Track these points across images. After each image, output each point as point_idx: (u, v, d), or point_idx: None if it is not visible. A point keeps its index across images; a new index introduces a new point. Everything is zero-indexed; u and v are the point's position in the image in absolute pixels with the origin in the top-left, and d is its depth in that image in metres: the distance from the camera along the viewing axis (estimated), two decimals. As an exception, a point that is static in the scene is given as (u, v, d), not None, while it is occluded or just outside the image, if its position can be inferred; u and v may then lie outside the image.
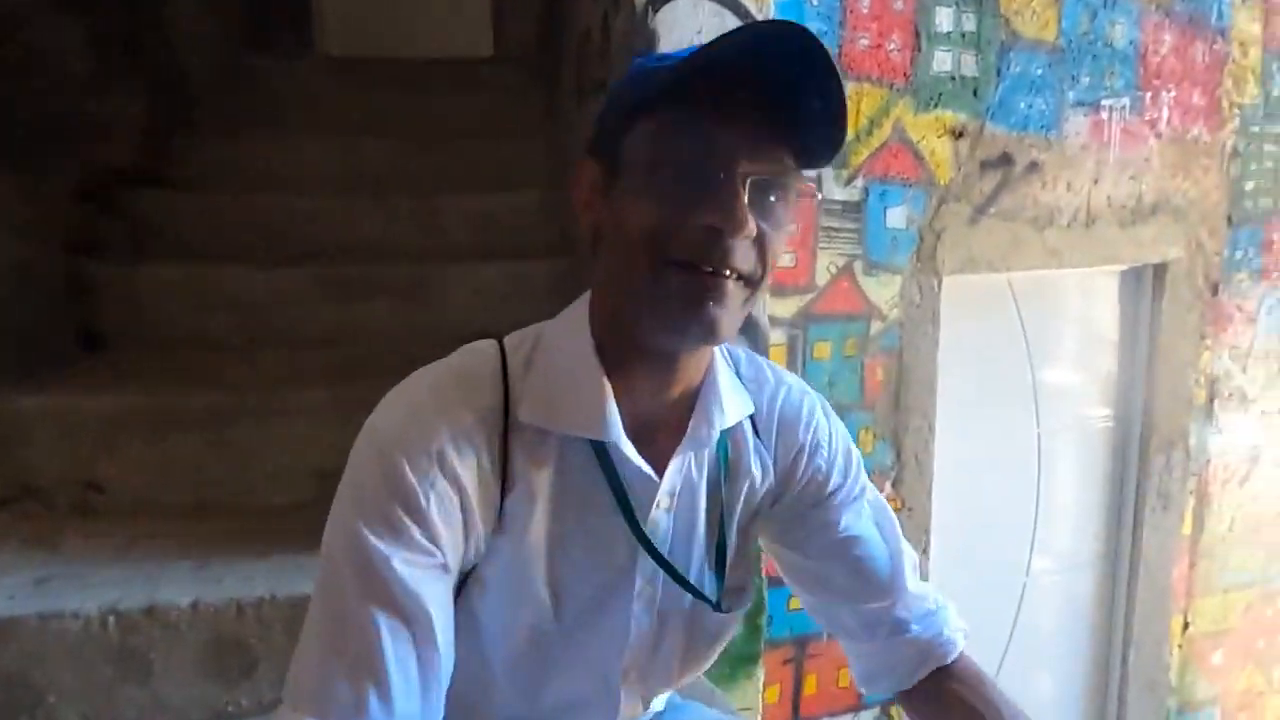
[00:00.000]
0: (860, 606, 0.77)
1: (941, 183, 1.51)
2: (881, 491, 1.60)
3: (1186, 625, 2.15)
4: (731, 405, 0.70)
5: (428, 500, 0.60)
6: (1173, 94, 1.76)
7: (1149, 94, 1.73)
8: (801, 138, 0.60)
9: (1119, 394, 1.99)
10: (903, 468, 1.59)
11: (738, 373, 0.74)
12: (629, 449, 0.65)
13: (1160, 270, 1.89)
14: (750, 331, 1.30)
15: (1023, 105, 1.58)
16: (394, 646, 0.58)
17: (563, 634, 0.69)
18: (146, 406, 1.38)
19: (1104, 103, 1.67)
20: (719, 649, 0.77)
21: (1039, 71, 1.58)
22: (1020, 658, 1.96)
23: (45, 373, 1.44)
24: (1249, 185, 1.96)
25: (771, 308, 1.37)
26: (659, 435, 0.69)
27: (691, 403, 0.69)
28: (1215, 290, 1.97)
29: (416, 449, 0.61)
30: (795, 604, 1.53)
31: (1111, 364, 1.98)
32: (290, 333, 1.67)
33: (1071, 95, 1.63)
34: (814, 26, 1.32)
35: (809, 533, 0.76)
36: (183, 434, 1.35)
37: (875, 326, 1.50)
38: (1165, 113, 1.76)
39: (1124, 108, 1.70)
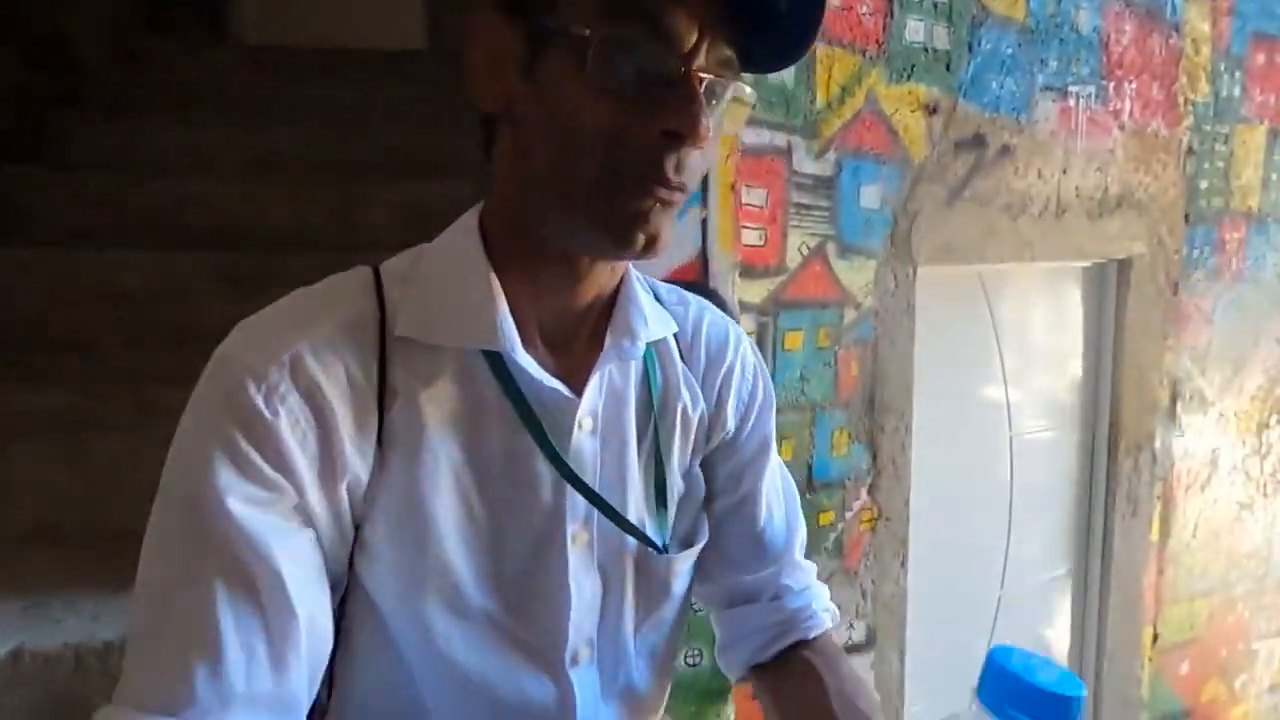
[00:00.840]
0: (744, 575, 0.70)
1: (915, 160, 1.41)
2: (857, 499, 1.46)
3: (1156, 636, 2.08)
4: (654, 318, 0.61)
5: (275, 416, 0.49)
6: (1134, 85, 1.73)
7: (1112, 84, 1.68)
8: (763, 37, 0.53)
9: (1086, 395, 1.93)
10: (879, 473, 1.45)
11: (656, 297, 0.66)
12: (529, 360, 0.55)
13: (1124, 266, 1.84)
14: (718, 314, 1.14)
15: (994, 85, 1.49)
16: (232, 612, 0.47)
17: (488, 607, 0.56)
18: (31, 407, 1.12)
19: (1071, 89, 1.61)
20: (676, 611, 0.65)
21: (1009, 51, 1.50)
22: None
23: None
24: (1203, 184, 1.94)
25: (739, 291, 1.23)
26: (574, 347, 0.59)
27: (608, 312, 0.60)
28: (1175, 289, 1.93)
29: (262, 359, 0.50)
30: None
31: (1078, 364, 1.91)
32: (177, 328, 1.43)
33: (1040, 79, 1.56)
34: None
35: (716, 488, 0.68)
36: (25, 443, 1.10)
37: (849, 315, 1.37)
38: (1128, 104, 1.72)
39: (1090, 96, 1.65)
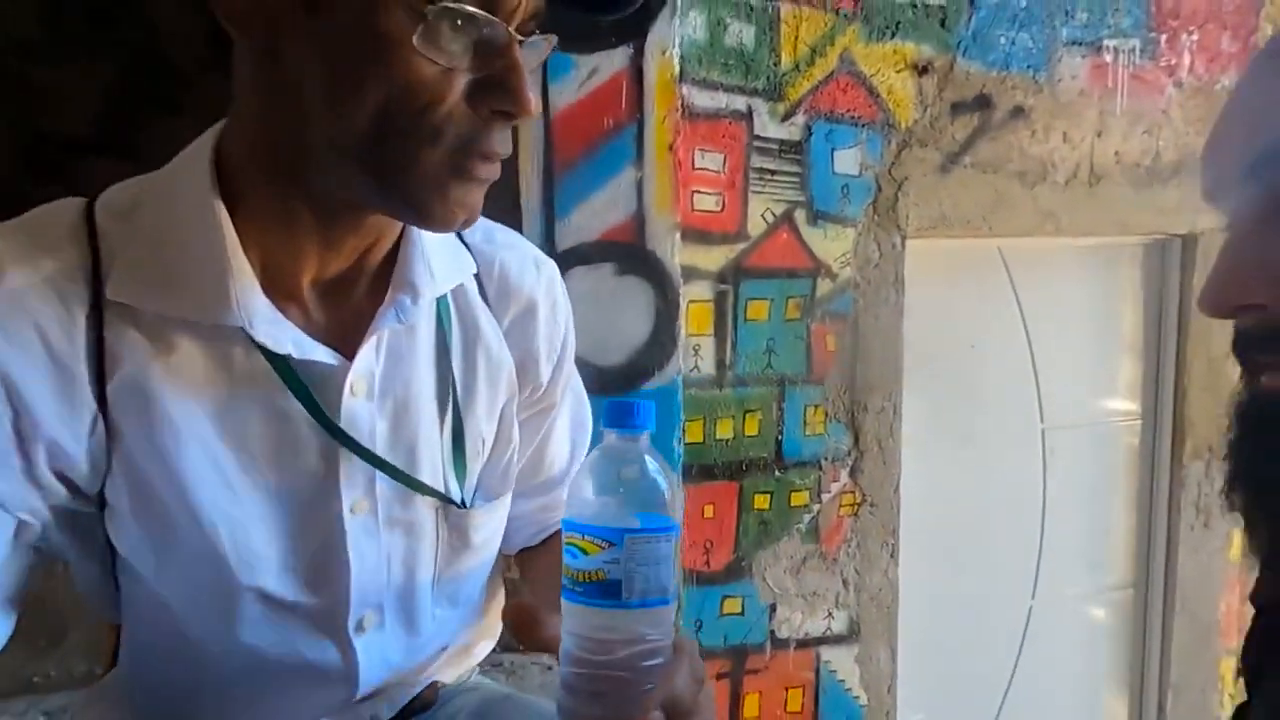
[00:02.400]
0: (525, 498, 0.70)
1: (902, 125, 1.32)
2: (837, 481, 1.39)
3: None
4: (444, 266, 0.57)
5: None
6: (1195, 37, 1.53)
7: (1165, 35, 1.51)
8: None
9: (1143, 388, 1.72)
10: (862, 455, 1.37)
11: (459, 234, 0.60)
12: (275, 333, 0.51)
13: (1189, 243, 1.64)
14: (656, 280, 1.13)
15: (1003, 40, 1.38)
16: None
17: (255, 577, 0.54)
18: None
19: (1107, 43, 1.46)
20: (481, 559, 0.64)
21: (1023, 2, 1.38)
22: (1024, 702, 1.67)
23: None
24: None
25: (691, 256, 1.21)
26: (353, 293, 0.55)
27: (394, 255, 0.55)
28: (1259, 270, 1.69)
29: None
30: (731, 607, 1.32)
31: (1131, 352, 1.71)
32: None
33: (1065, 33, 1.42)
34: (740, -61, 1.18)
35: (520, 434, 0.66)
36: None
37: (823, 287, 1.31)
38: (1187, 58, 1.53)
39: (1133, 50, 1.48)
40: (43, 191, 1.68)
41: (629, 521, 0.45)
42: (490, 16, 0.45)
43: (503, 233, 0.66)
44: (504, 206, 1.13)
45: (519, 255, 0.65)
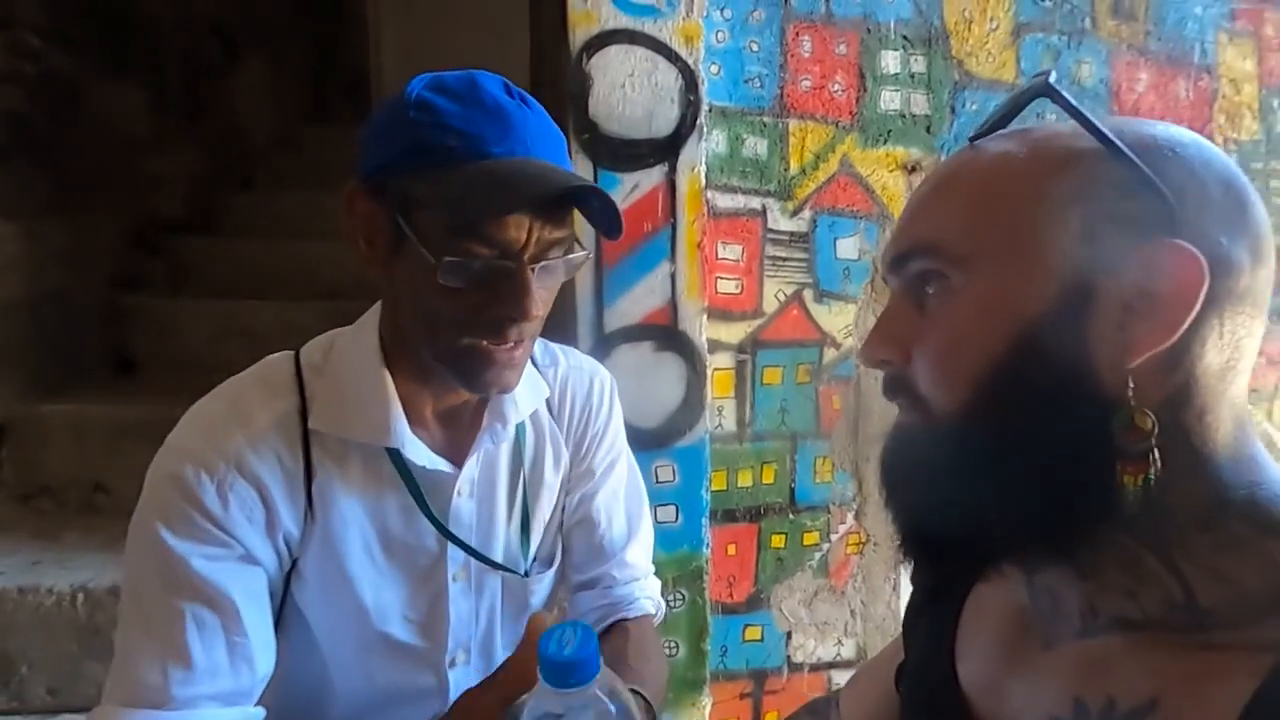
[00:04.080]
0: (584, 574, 0.84)
1: (895, 215, 1.54)
2: (844, 523, 1.59)
3: None
4: (525, 397, 0.76)
5: (225, 501, 0.65)
6: (1154, 130, 1.74)
7: (1126, 130, 1.72)
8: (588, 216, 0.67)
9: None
10: (865, 500, 1.57)
11: (533, 361, 0.80)
12: (416, 452, 0.70)
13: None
14: (686, 354, 1.35)
15: (981, 141, 1.60)
16: (198, 631, 0.62)
17: (384, 625, 0.73)
18: (153, 417, 1.54)
19: (1074, 139, 1.67)
20: (536, 608, 0.82)
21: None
22: None
23: (76, 389, 1.63)
24: (1257, 223, 1.88)
25: (716, 332, 1.42)
26: (461, 422, 0.75)
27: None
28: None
29: (213, 456, 0.65)
30: (751, 634, 1.52)
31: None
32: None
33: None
34: (754, 70, 1.41)
35: (568, 509, 0.82)
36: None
37: (829, 354, 1.52)
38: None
39: (1098, 144, 1.69)
40: (147, 265, 1.99)
41: None
42: (492, 259, 0.61)
43: (566, 355, 0.85)
44: (563, 298, 1.36)
45: (579, 374, 0.84)
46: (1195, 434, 0.43)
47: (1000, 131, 0.50)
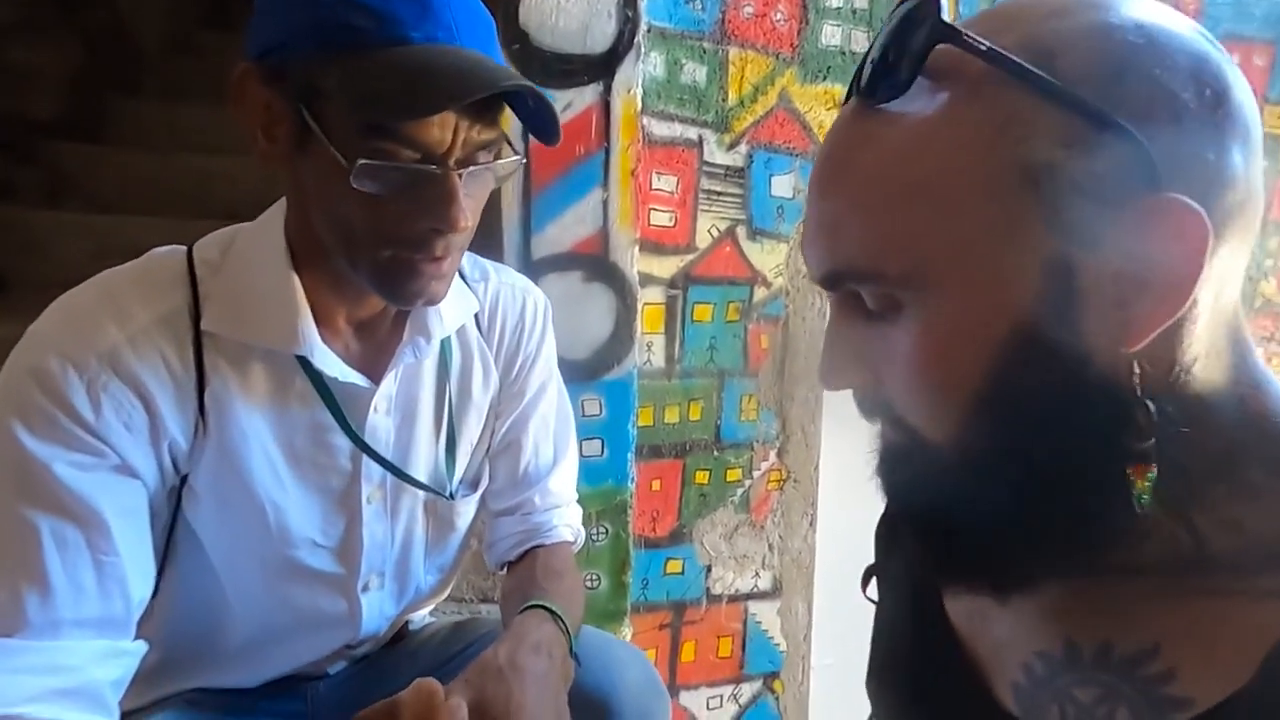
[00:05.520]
0: (506, 500, 0.82)
1: (830, 155, 1.53)
2: (766, 460, 1.61)
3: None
4: (452, 311, 0.71)
5: (96, 402, 0.57)
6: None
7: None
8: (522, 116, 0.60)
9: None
10: (788, 439, 1.59)
11: (462, 274, 0.75)
12: (326, 362, 0.64)
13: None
14: (617, 286, 1.31)
15: (917, 85, 1.60)
16: (58, 550, 0.55)
17: (290, 549, 0.68)
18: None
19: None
20: (461, 537, 0.79)
21: (934, 53, 1.61)
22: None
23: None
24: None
25: (648, 265, 1.39)
26: (379, 334, 0.70)
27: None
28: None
29: (83, 351, 0.57)
30: (673, 568, 1.53)
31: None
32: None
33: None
34: (695, -9, 1.35)
35: (496, 434, 0.79)
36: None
37: (759, 293, 1.51)
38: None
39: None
40: (18, 172, 1.79)
41: None
42: (414, 163, 0.55)
43: (497, 271, 0.80)
44: (487, 222, 1.29)
45: (510, 292, 0.79)
46: (1198, 383, 0.38)
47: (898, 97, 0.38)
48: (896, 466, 0.44)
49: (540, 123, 0.62)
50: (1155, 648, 0.38)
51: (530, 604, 0.70)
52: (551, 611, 0.70)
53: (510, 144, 0.64)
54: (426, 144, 0.56)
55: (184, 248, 0.65)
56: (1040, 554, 0.40)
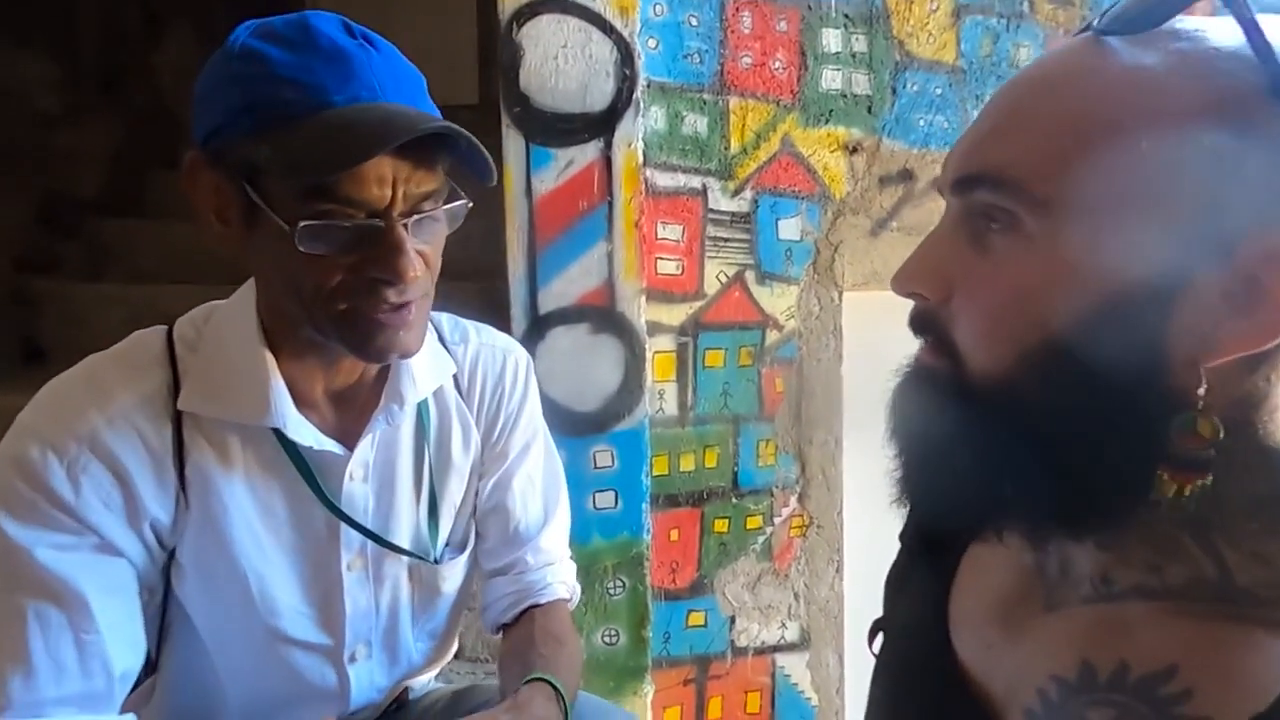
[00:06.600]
0: (498, 560, 0.81)
1: (837, 196, 1.53)
2: (787, 506, 1.58)
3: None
4: (426, 375, 0.71)
5: (76, 483, 0.58)
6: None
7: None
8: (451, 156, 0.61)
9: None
10: (808, 483, 1.56)
11: (440, 337, 0.75)
12: (300, 432, 0.65)
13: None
14: (625, 336, 1.32)
15: (922, 123, 1.60)
16: (41, 631, 0.56)
17: (275, 618, 0.68)
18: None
19: (1013, 122, 1.68)
20: (452, 601, 0.78)
21: (938, 91, 1.61)
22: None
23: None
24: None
25: (656, 314, 1.39)
26: (356, 402, 0.70)
27: (388, 370, 0.70)
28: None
29: (62, 435, 0.59)
30: (695, 620, 1.50)
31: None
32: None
33: (975, 114, 1.64)
34: (693, 46, 1.38)
35: (481, 494, 0.79)
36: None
37: (771, 336, 1.50)
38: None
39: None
40: (62, 247, 1.87)
41: None
42: (360, 216, 0.56)
43: (478, 332, 0.80)
44: (494, 278, 1.31)
45: (491, 353, 0.78)
46: (1265, 432, 0.37)
47: (1133, 34, 0.37)
48: (921, 388, 0.43)
49: (474, 164, 0.62)
50: (1173, 668, 0.37)
51: (532, 676, 0.70)
52: (554, 688, 0.69)
53: (457, 189, 0.64)
54: (366, 200, 0.57)
55: (165, 327, 0.68)
56: (1029, 514, 0.40)
